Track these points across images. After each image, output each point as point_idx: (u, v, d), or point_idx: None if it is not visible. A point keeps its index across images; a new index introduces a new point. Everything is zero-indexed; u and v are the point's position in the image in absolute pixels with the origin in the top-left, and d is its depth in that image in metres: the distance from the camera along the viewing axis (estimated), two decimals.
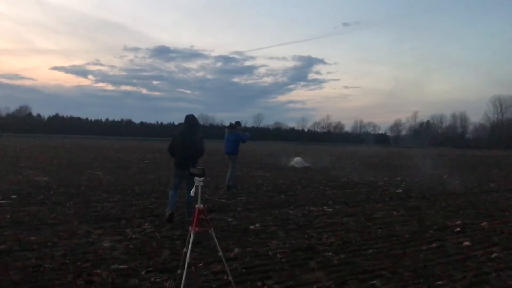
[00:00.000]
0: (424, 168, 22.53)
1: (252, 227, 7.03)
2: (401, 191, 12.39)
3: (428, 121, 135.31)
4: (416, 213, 8.74)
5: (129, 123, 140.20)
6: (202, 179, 4.18)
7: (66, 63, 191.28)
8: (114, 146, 41.98)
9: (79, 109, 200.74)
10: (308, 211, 8.70)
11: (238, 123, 12.37)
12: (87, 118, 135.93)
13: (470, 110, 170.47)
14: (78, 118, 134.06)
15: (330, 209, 8.98)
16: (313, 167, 20.67)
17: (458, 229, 7.17)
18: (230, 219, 7.65)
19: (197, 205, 4.10)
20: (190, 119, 7.46)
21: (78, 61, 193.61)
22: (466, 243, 6.24)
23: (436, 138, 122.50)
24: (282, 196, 10.68)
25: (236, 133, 11.98)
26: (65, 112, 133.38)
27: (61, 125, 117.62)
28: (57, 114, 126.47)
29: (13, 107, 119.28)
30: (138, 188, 11.36)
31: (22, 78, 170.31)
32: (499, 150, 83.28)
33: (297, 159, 20.18)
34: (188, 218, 7.17)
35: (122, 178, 13.68)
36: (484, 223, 7.72)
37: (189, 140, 7.29)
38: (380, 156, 38.92)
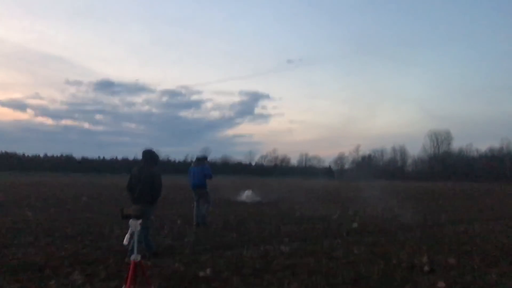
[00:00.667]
0: (374, 201, 22.47)
1: (202, 273, 6.08)
2: (356, 225, 11.88)
3: (369, 155, 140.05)
4: (378, 250, 8.16)
5: (70, 158, 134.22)
6: (139, 221, 3.29)
7: (3, 96, 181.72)
8: (51, 183, 39.16)
9: (17, 144, 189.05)
10: (264, 251, 7.87)
11: (205, 157, 11.79)
12: (23, 154, 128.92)
13: (409, 144, 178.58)
14: (14, 154, 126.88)
15: (287, 248, 8.20)
16: (264, 201, 19.93)
17: (427, 268, 6.60)
18: (177, 264, 6.66)
19: (132, 257, 3.19)
20: (147, 153, 7.35)
21: (16, 95, 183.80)
22: (440, 284, 5.66)
23: (378, 171, 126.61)
24: (234, 235, 9.78)
25: (204, 167, 11.34)
26: (1, 148, 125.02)
27: None
28: None
29: None
30: (70, 230, 10.04)
31: None
32: (438, 181, 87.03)
33: (247, 192, 19.40)
34: (128, 261, 6.28)
35: (54, 218, 12.21)
36: (452, 260, 7.23)
37: (145, 174, 7.08)
38: (328, 189, 39.02)
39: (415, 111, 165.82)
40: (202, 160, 11.57)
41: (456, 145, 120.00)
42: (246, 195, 19.12)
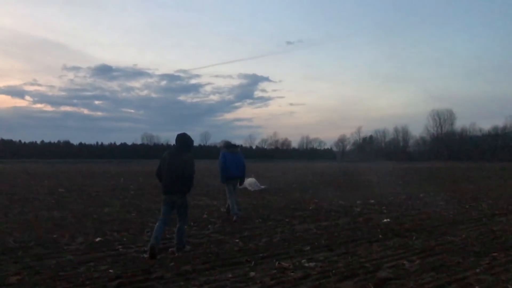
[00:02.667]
0: (390, 186, 20.15)
1: None
2: (388, 220, 9.53)
3: (371, 136, 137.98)
4: (434, 262, 5.81)
5: (67, 144, 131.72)
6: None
7: (1, 84, 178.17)
8: (36, 171, 36.73)
9: (16, 132, 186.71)
10: (279, 271, 5.50)
11: (239, 145, 10.68)
12: (20, 141, 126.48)
13: (412, 124, 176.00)
14: (10, 141, 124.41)
15: (311, 263, 5.83)
16: (269, 189, 17.57)
17: None
18: None
19: None
20: (180, 137, 6.60)
21: (13, 82, 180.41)
22: None
23: (380, 152, 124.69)
24: (237, 241, 7.40)
25: (240, 155, 10.05)
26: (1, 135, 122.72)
27: None
28: None
29: None
30: (16, 236, 7.64)
31: None
32: (442, 162, 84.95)
33: (250, 180, 17.00)
34: (177, 253, 6.34)
35: (5, 220, 9.78)
36: None
37: (176, 160, 6.41)
38: (335, 172, 36.66)
39: (417, 91, 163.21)
40: (236, 147, 10.15)
41: (459, 124, 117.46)
42: (249, 183, 16.73)
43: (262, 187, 17.07)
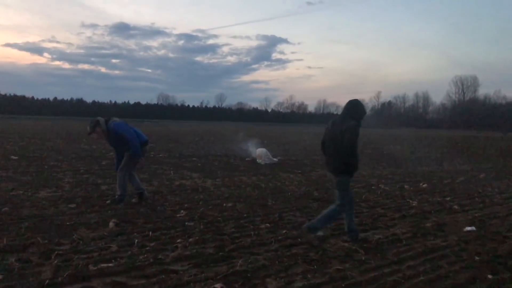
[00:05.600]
0: (432, 160, 16.50)
1: None
2: (473, 228, 5.95)
3: (390, 101, 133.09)
4: None
5: (80, 102, 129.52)
6: None
7: (19, 40, 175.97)
8: (35, 128, 33.62)
9: (36, 89, 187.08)
10: None
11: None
12: (33, 97, 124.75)
13: (433, 91, 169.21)
14: (23, 97, 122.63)
15: None
16: (283, 162, 14.00)
17: None
18: None
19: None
20: (348, 103, 5.25)
21: (32, 38, 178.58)
22: None
23: (398, 118, 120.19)
24: (236, 262, 3.92)
25: None
26: (21, 92, 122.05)
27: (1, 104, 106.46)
28: None
29: None
30: None
31: None
32: (464, 130, 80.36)
33: (260, 151, 13.40)
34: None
35: None
36: None
37: (337, 128, 5.10)
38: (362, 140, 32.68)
39: (439, 57, 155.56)
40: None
41: (482, 92, 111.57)
42: (260, 153, 13.18)
43: (275, 160, 13.47)
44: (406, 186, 9.75)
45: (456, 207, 7.43)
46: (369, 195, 8.44)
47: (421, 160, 16.17)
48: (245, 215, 6.31)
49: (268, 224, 5.81)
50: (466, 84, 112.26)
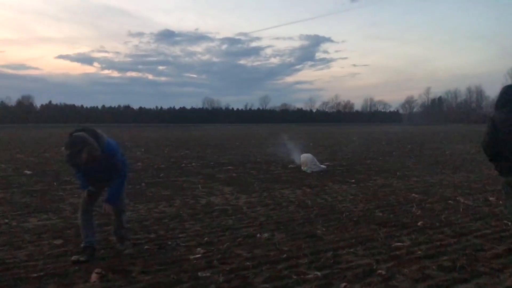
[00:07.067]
0: None
1: None
2: None
3: (440, 97, 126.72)
4: None
5: (127, 108, 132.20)
6: None
7: (71, 51, 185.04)
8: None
9: (87, 98, 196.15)
10: None
11: None
12: (82, 105, 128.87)
13: (486, 84, 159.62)
14: (73, 106, 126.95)
15: None
16: (333, 168, 12.07)
17: None
18: None
19: None
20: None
21: (82, 49, 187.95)
22: None
23: (450, 114, 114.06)
24: None
25: None
26: (73, 102, 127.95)
27: (53, 114, 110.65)
28: (50, 102, 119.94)
29: (16, 97, 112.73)
30: None
31: (28, 68, 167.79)
32: None
33: (306, 157, 11.51)
34: None
35: None
36: None
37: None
38: (413, 138, 29.98)
39: (492, 48, 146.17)
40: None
41: None
42: (304, 161, 11.32)
43: (323, 166, 11.54)
44: (491, 198, 7.61)
45: None
46: (450, 213, 6.43)
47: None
48: (285, 255, 4.52)
49: (318, 273, 3.98)
50: None
